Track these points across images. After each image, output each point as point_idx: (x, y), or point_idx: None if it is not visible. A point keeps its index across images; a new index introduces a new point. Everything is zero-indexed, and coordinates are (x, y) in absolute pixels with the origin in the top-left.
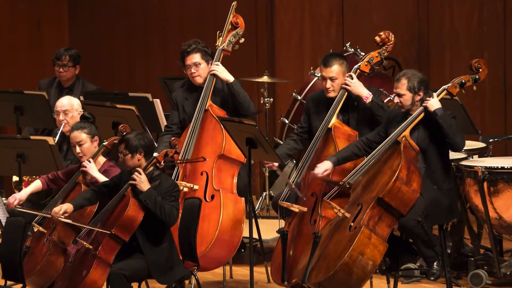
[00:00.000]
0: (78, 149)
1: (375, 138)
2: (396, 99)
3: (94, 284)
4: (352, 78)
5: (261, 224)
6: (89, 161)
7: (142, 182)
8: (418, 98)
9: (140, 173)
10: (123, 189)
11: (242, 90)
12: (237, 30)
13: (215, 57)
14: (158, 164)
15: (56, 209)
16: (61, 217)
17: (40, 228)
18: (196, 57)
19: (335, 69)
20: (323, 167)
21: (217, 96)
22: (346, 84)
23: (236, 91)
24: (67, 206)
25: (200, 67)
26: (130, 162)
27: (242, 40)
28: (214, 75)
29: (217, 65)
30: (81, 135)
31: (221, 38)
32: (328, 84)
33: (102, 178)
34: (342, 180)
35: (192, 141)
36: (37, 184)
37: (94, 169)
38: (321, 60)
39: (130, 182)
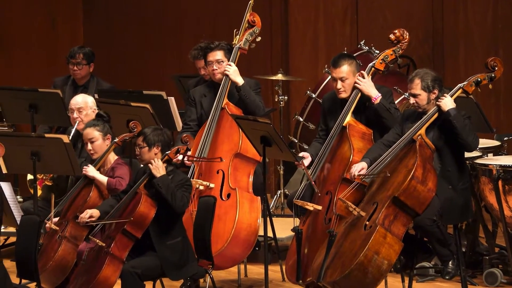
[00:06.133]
0: (89, 146)
1: (395, 139)
2: (412, 100)
3: (107, 280)
4: (363, 77)
5: (275, 223)
6: (88, 165)
7: (158, 168)
8: (433, 96)
9: (156, 161)
10: (135, 186)
11: (250, 94)
12: (254, 29)
13: (231, 55)
14: (176, 160)
15: (82, 214)
16: (88, 221)
17: (53, 225)
18: (219, 54)
19: (345, 69)
20: (360, 166)
21: (234, 95)
22: (357, 83)
23: (244, 95)
24: (94, 211)
25: (222, 65)
26: (146, 155)
27: (259, 38)
28: (224, 75)
29: (230, 65)
30: (94, 132)
31: (237, 37)
32: (339, 84)
33: (101, 177)
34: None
35: (209, 139)
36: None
37: (93, 171)
38: (330, 61)
39: (148, 165)
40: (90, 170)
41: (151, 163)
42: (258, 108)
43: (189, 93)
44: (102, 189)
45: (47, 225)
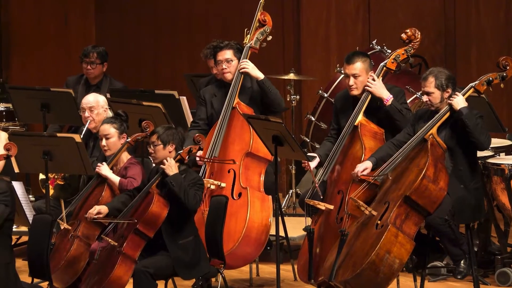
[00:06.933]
0: (104, 142)
1: (406, 139)
2: (425, 98)
3: (119, 280)
4: (374, 80)
5: (287, 222)
6: (101, 163)
7: (171, 166)
8: (446, 95)
9: (168, 160)
10: (148, 185)
11: (272, 87)
12: (264, 28)
13: (242, 54)
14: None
15: (91, 210)
16: (95, 218)
17: (66, 225)
18: (228, 53)
19: (358, 66)
20: (363, 166)
21: (245, 94)
22: (368, 86)
23: (267, 87)
24: (102, 208)
25: (231, 64)
26: (161, 153)
27: (270, 37)
28: (243, 73)
29: (246, 62)
30: (110, 129)
31: (248, 36)
32: (351, 81)
33: (114, 178)
34: (373, 175)
35: (220, 138)
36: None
37: (106, 170)
38: (344, 58)
39: (161, 166)
40: (104, 169)
41: (164, 162)
42: (281, 100)
43: (199, 92)
44: (115, 189)
45: (61, 225)
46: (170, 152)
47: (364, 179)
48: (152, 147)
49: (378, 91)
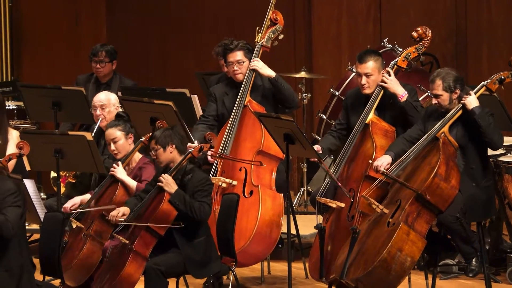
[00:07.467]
0: (113, 146)
1: (418, 136)
2: (434, 100)
3: (130, 277)
4: (389, 75)
5: (299, 220)
6: (117, 165)
7: (169, 184)
8: (455, 96)
9: (165, 177)
10: (147, 197)
11: (285, 83)
12: (276, 26)
13: (254, 53)
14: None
15: (113, 212)
16: (121, 220)
17: (78, 223)
18: (239, 55)
19: (370, 65)
20: (385, 161)
21: (256, 92)
22: (383, 81)
23: (280, 84)
24: (125, 209)
25: (243, 65)
26: (163, 157)
27: (281, 36)
28: (254, 71)
29: (257, 61)
30: (116, 132)
31: (260, 34)
32: (364, 80)
33: (130, 181)
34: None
35: (231, 136)
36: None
37: (121, 173)
38: (356, 56)
39: (158, 184)
40: (119, 172)
41: (161, 180)
42: (295, 95)
43: (210, 90)
44: (129, 188)
45: (73, 223)
46: (171, 153)
47: (375, 176)
48: (153, 152)
49: (394, 87)
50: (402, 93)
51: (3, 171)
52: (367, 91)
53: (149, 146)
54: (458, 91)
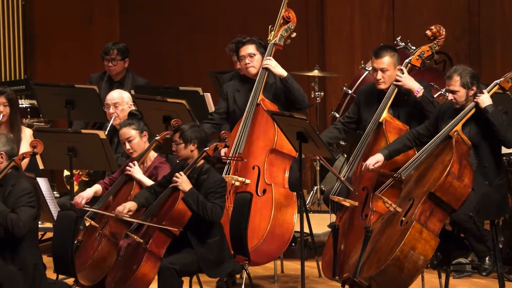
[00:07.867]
0: (128, 146)
1: (424, 132)
2: (450, 96)
3: (145, 277)
4: (402, 73)
5: (312, 219)
6: (134, 164)
7: (184, 182)
8: (471, 93)
9: (180, 175)
10: (162, 194)
11: (296, 84)
12: (289, 25)
13: (267, 51)
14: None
15: (119, 208)
16: (125, 216)
17: (92, 222)
18: (250, 48)
19: (386, 60)
20: (374, 159)
21: (269, 91)
22: (397, 80)
23: (291, 85)
24: (131, 205)
25: (254, 58)
26: (183, 152)
27: (294, 34)
28: (267, 69)
29: (269, 59)
30: (130, 132)
31: (273, 33)
32: (379, 75)
33: (146, 181)
34: (394, 173)
35: (244, 135)
36: (97, 188)
37: (138, 172)
38: (372, 51)
39: (171, 185)
40: (136, 171)
41: (175, 179)
42: (305, 96)
43: (223, 87)
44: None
45: (87, 222)
46: (192, 151)
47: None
48: (174, 145)
49: (408, 83)
50: (418, 88)
51: (18, 170)
52: (382, 86)
53: (172, 137)
54: (474, 88)
